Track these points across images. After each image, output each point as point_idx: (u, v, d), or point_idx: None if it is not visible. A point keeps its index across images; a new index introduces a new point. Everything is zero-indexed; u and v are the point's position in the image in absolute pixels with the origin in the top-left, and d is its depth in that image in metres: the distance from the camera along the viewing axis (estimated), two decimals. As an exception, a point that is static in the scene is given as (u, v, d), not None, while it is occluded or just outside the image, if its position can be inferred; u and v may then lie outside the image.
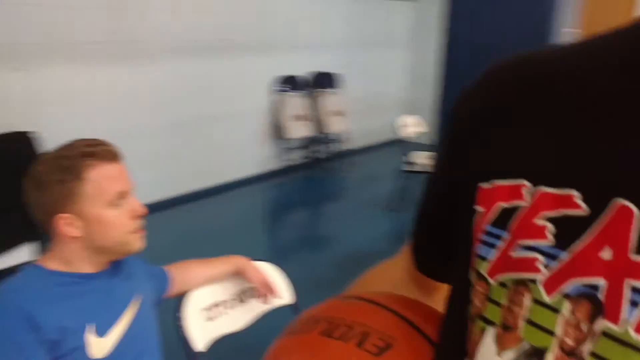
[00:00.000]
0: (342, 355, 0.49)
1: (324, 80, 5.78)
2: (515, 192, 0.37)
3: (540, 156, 0.37)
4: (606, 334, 0.30)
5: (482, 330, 0.38)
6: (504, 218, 0.38)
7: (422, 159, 4.47)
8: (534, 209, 0.36)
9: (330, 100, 5.77)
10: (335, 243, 4.08)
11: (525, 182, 0.37)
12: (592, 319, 0.31)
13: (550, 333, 0.33)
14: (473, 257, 0.40)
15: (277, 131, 5.41)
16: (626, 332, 0.30)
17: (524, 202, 0.36)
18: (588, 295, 0.32)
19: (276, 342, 0.58)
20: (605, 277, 0.31)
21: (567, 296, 0.33)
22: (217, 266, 1.47)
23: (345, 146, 6.11)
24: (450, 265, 0.50)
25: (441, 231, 0.51)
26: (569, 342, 0.32)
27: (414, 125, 4.70)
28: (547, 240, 0.34)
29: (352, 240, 4.04)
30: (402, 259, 0.64)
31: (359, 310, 0.55)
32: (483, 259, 0.39)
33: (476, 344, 0.39)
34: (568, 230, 0.33)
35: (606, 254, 0.31)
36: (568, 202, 0.34)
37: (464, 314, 0.41)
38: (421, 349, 0.50)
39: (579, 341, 0.31)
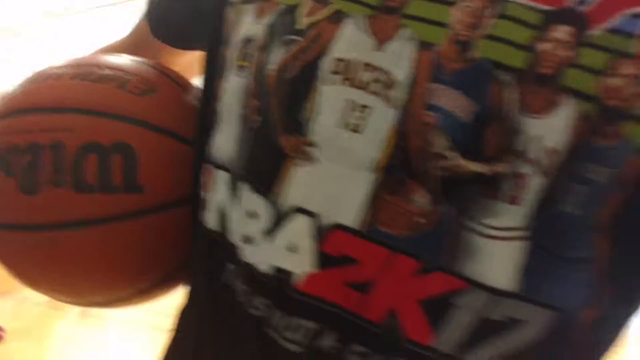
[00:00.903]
0: (103, 96, 0.44)
1: None
2: None
3: None
4: None
5: (240, 13, 0.38)
6: None
7: None
8: None
9: None
10: None
11: None
12: None
13: None
14: None
15: None
16: None
17: None
18: None
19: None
20: None
21: None
22: None
23: None
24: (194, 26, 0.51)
25: None
26: None
27: None
28: None
29: None
30: (129, 38, 0.61)
31: (110, 58, 0.50)
32: None
33: (235, 25, 0.39)
34: None
35: None
36: None
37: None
38: (182, 99, 0.49)
39: None
